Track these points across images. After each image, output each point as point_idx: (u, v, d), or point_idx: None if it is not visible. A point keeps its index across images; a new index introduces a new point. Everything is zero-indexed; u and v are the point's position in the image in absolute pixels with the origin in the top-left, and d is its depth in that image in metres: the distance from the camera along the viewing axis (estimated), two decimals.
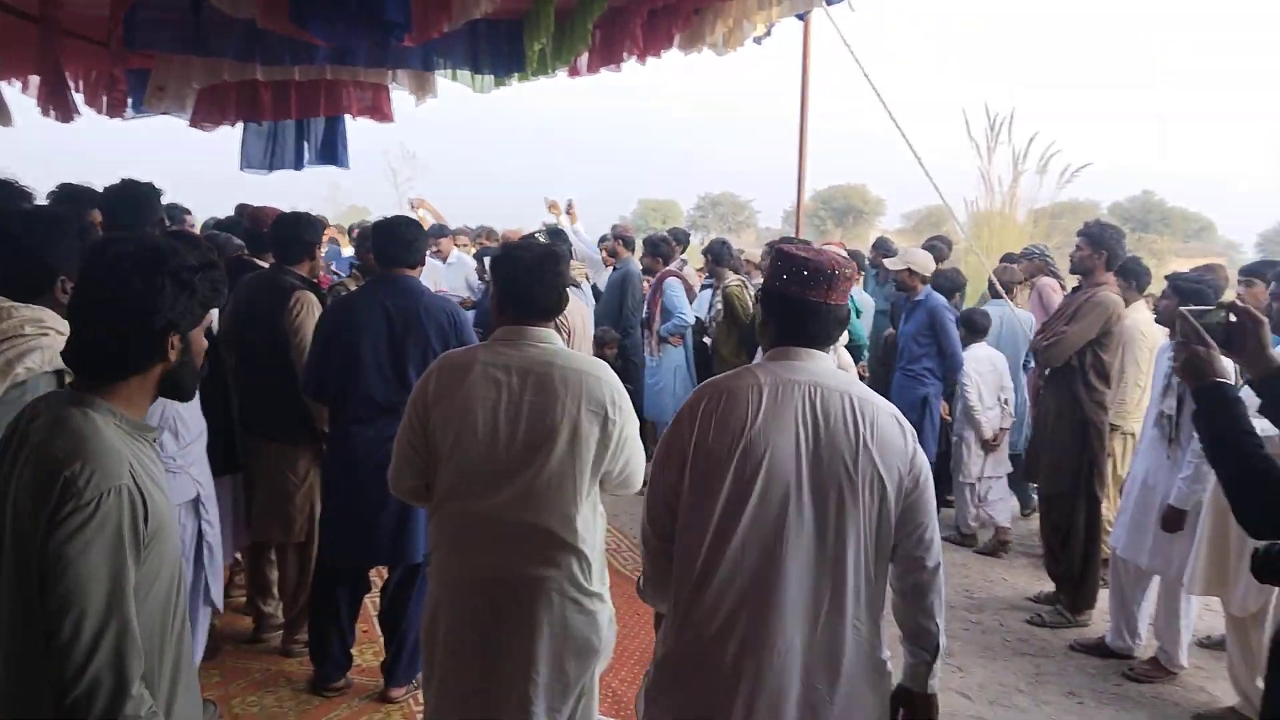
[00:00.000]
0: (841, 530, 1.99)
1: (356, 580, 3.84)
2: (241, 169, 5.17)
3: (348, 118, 4.98)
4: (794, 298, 2.10)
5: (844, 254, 7.35)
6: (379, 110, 4.94)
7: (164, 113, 4.88)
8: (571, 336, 5.26)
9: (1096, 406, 4.78)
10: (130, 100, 4.75)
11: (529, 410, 2.46)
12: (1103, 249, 4.75)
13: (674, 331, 6.86)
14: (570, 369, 2.49)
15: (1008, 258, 7.70)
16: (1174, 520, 4.01)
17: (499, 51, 4.59)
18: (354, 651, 3.98)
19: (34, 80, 4.83)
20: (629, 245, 7.80)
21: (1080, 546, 4.83)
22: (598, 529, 2.56)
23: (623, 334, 7.15)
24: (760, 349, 2.32)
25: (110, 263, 1.65)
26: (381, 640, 3.97)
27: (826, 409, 2.02)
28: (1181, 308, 2.29)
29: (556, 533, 2.44)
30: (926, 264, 6.10)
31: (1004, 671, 4.34)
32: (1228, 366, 2.17)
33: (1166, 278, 4.44)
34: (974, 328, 6.08)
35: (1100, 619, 4.78)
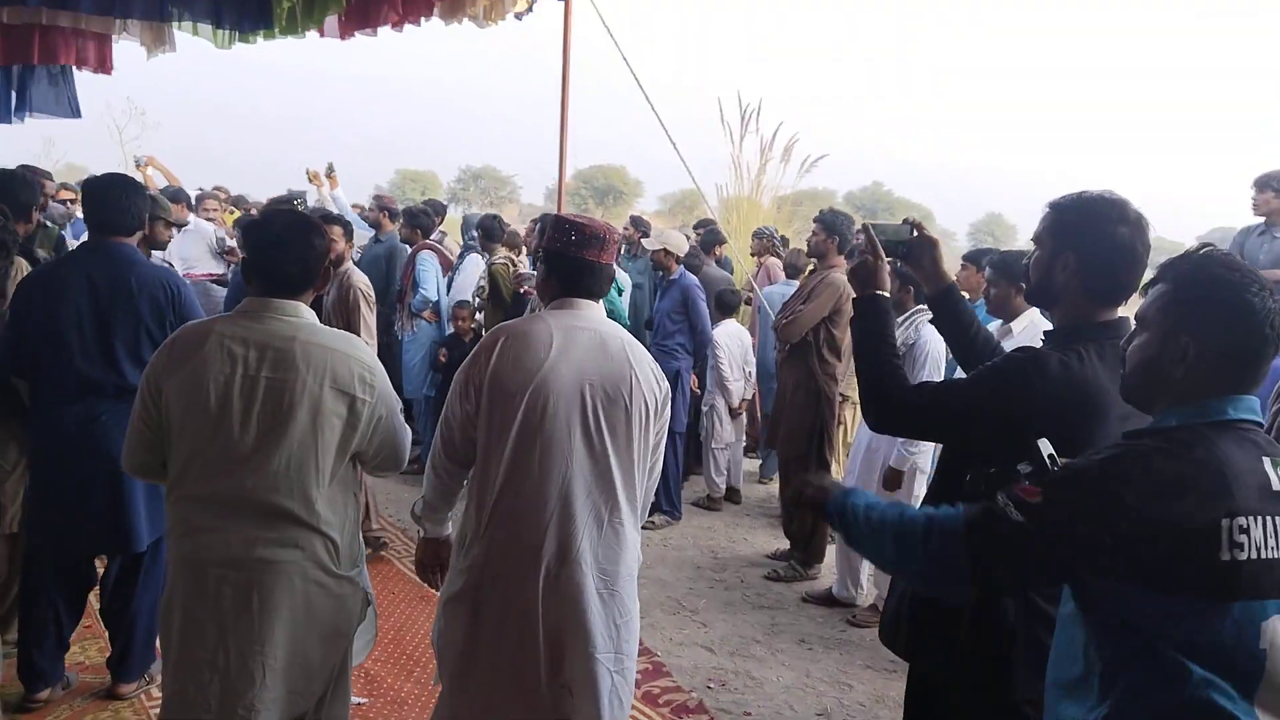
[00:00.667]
0: (616, 447, 2.42)
1: (73, 574, 3.46)
2: None
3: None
4: (573, 257, 2.49)
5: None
6: (98, 61, 4.49)
7: None
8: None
9: (828, 379, 5.25)
10: None
11: (266, 386, 2.32)
12: (835, 234, 5.21)
13: (421, 308, 6.80)
14: (314, 344, 2.36)
15: (756, 233, 8.38)
16: (894, 480, 4.48)
17: (245, 5, 4.33)
18: (77, 648, 3.68)
19: None
20: (393, 217, 7.60)
21: None
22: (348, 511, 2.45)
23: (390, 310, 6.96)
24: (541, 302, 2.62)
25: None
26: (106, 636, 3.67)
27: (606, 348, 2.45)
28: (865, 221, 2.47)
29: (297, 514, 2.33)
30: (680, 245, 6.41)
31: (744, 624, 4.68)
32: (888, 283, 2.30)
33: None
34: (725, 305, 6.51)
35: (828, 572, 5.26)
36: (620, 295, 6.52)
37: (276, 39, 4.69)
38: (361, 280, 5.11)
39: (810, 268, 6.10)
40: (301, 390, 2.32)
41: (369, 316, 5.05)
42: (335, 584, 2.40)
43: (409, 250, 7.13)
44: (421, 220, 7.16)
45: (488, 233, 6.90)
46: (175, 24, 4.32)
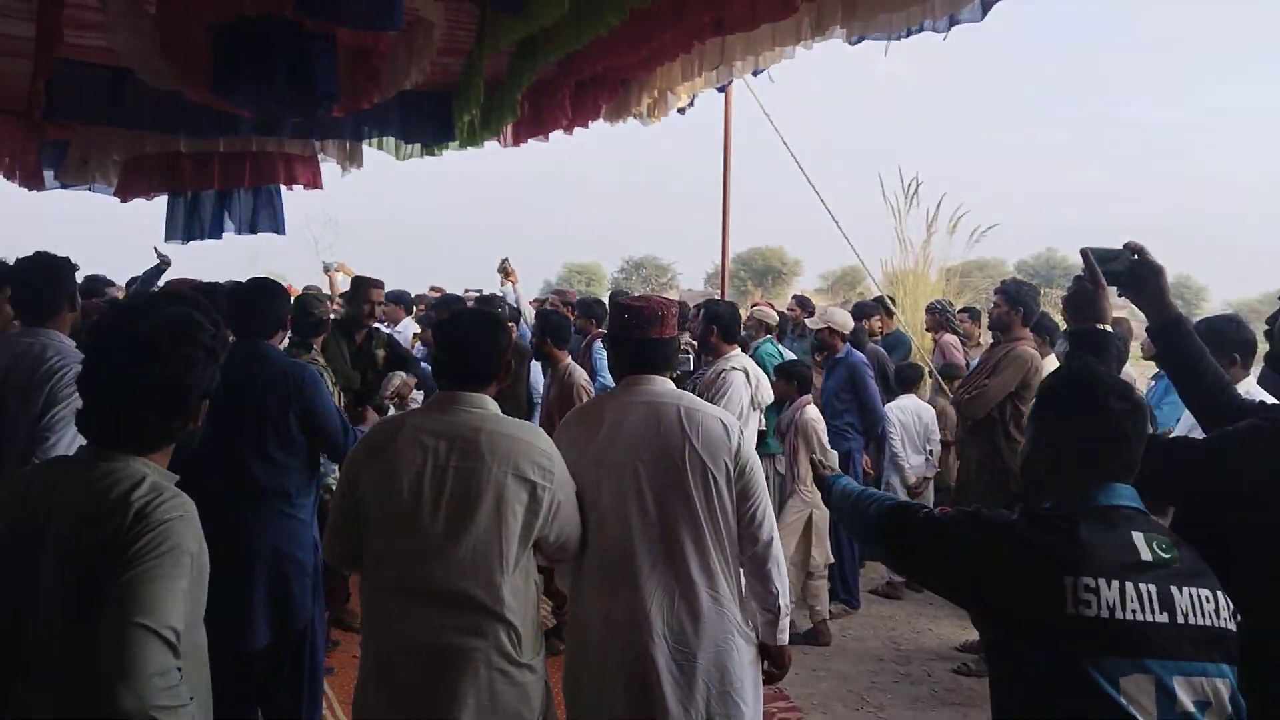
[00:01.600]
0: (675, 515, 2.51)
1: (223, 675, 3.34)
2: (166, 240, 5.10)
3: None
4: (632, 338, 2.68)
5: (766, 309, 7.57)
6: (308, 178, 4.93)
7: (87, 186, 4.79)
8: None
9: (1016, 456, 4.96)
10: (51, 173, 4.66)
11: (454, 476, 2.38)
12: (1019, 306, 4.98)
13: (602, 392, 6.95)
14: (499, 433, 2.42)
15: (930, 308, 8.14)
16: None
17: (428, 122, 4.65)
18: None
19: None
20: (570, 309, 7.83)
21: None
22: (529, 598, 2.47)
23: None
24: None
25: (147, 343, 1.70)
26: None
27: (659, 418, 2.57)
28: (1084, 248, 2.23)
29: (482, 601, 2.35)
30: (846, 322, 6.30)
31: None
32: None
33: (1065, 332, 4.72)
34: (905, 380, 6.33)
35: None
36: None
37: (457, 149, 5.02)
38: (582, 376, 5.29)
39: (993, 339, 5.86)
40: (487, 478, 2.37)
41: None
42: (518, 672, 2.40)
43: (583, 340, 7.36)
44: (595, 310, 7.39)
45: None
46: (365, 142, 4.69)
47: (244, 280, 3.54)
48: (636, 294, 3.42)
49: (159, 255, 7.26)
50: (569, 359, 5.40)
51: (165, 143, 4.36)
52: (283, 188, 4.98)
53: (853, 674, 4.94)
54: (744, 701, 2.55)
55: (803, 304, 8.23)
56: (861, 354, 6.32)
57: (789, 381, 5.38)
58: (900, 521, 1.93)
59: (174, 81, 3.73)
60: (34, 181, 4.54)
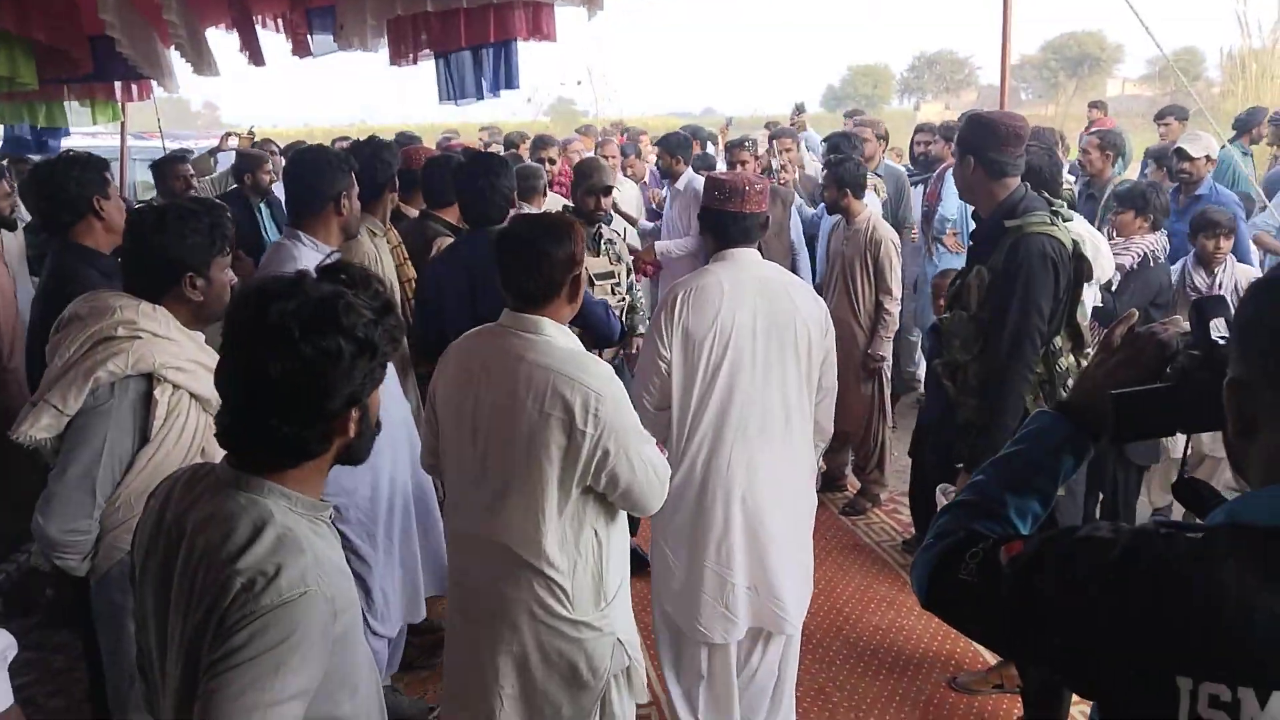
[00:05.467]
0: (785, 374, 2.84)
1: None
2: (440, 102, 5.28)
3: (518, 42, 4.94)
4: (720, 211, 2.87)
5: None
6: (542, 30, 4.86)
7: (348, 48, 5.02)
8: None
9: None
10: (313, 40, 4.92)
11: (491, 409, 2.21)
12: None
13: (940, 231, 6.30)
14: (538, 365, 2.17)
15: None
16: None
17: None
18: None
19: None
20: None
21: None
22: (583, 551, 2.23)
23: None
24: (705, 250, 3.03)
25: (275, 330, 1.32)
26: None
27: (771, 293, 2.84)
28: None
29: (516, 552, 2.19)
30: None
31: None
32: None
33: None
34: None
35: None
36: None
37: None
38: (889, 231, 5.01)
39: None
40: (521, 415, 2.15)
41: (899, 267, 4.97)
42: (571, 629, 2.22)
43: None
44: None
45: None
46: None
47: (458, 153, 3.60)
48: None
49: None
50: (868, 209, 5.08)
51: (414, 5, 4.43)
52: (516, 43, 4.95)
53: None
54: (808, 530, 3.04)
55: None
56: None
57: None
58: (945, 586, 1.23)
59: None
60: (302, 49, 4.81)
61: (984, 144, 2.95)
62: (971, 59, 57.57)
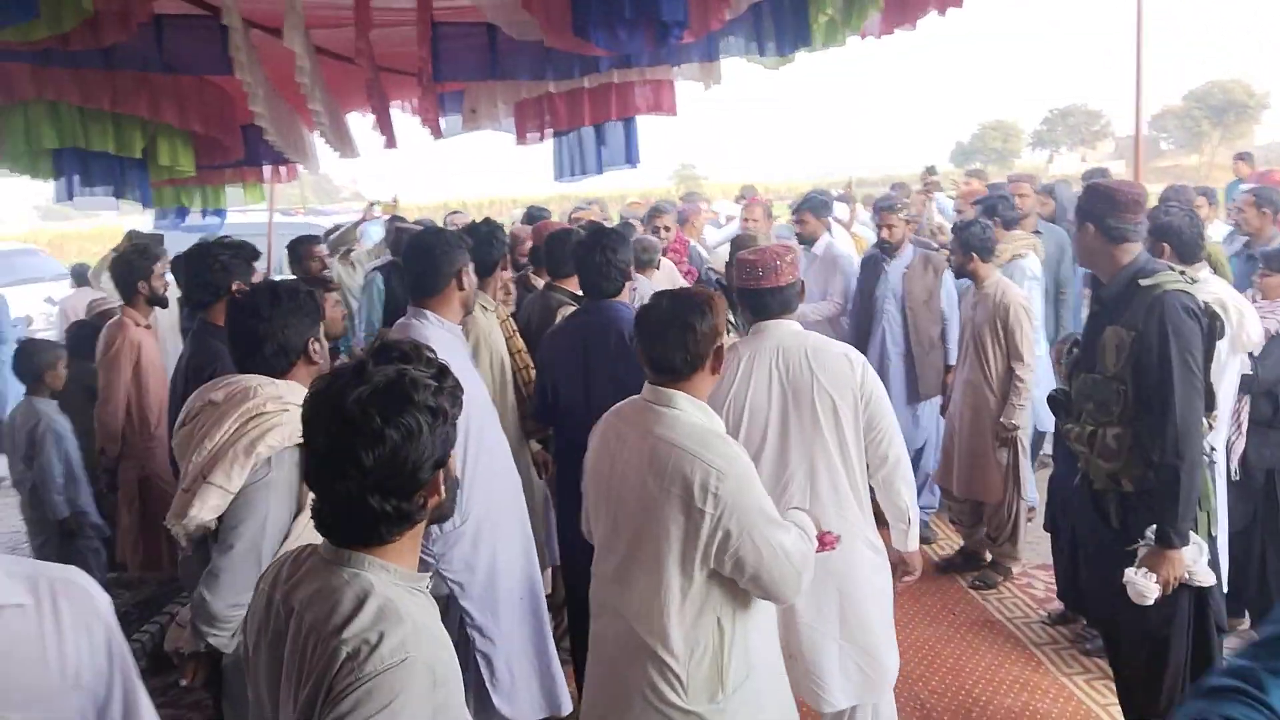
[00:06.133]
0: (811, 446, 2.78)
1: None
2: (555, 179, 5.43)
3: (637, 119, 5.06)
4: (751, 289, 2.91)
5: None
6: (662, 105, 4.95)
7: (476, 128, 5.24)
8: None
9: None
10: (444, 122, 5.15)
11: (622, 485, 2.23)
12: None
13: None
14: (664, 439, 2.16)
15: None
16: None
17: (784, 28, 4.38)
18: None
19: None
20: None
21: None
22: (701, 638, 2.15)
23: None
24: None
25: (358, 421, 1.41)
26: None
27: (787, 362, 2.82)
28: None
29: (636, 631, 2.16)
30: None
31: None
32: None
33: None
34: None
35: None
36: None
37: (817, 51, 4.70)
38: (1019, 295, 4.83)
39: None
40: (647, 493, 2.15)
41: (1029, 333, 4.78)
42: (681, 716, 2.15)
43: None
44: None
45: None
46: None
47: (578, 228, 3.74)
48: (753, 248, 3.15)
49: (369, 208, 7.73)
50: (996, 273, 4.93)
51: (537, 87, 4.60)
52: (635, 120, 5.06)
53: None
54: (869, 610, 2.88)
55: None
56: None
57: None
58: None
59: (537, 31, 3.88)
60: (436, 131, 5.04)
61: (1103, 211, 3.00)
62: (1106, 110, 55.78)
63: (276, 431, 2.29)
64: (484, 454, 3.02)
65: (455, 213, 9.46)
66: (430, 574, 1.59)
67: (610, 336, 3.45)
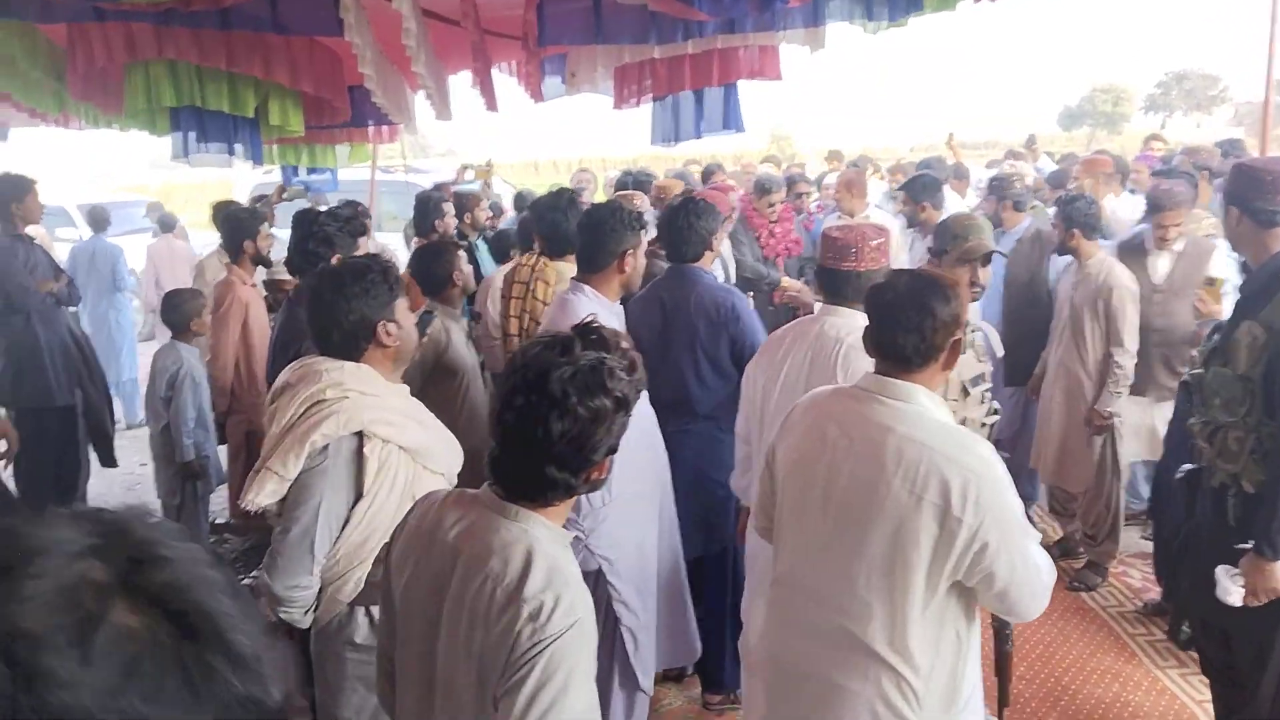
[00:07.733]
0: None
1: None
2: (651, 144, 5.40)
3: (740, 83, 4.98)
4: (829, 269, 2.85)
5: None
6: (767, 70, 4.87)
7: (576, 92, 5.24)
8: None
9: None
10: (545, 85, 5.17)
11: (848, 482, 2.00)
12: None
13: None
14: (911, 439, 1.93)
15: None
16: None
17: None
18: None
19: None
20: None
21: None
22: (943, 651, 2.00)
23: None
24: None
25: (558, 396, 1.54)
26: None
27: (822, 340, 2.81)
28: None
29: (865, 641, 1.98)
30: None
31: None
32: None
33: None
34: None
35: None
36: None
37: (927, 15, 4.54)
38: (1125, 277, 4.51)
39: None
40: (886, 496, 1.94)
41: (1133, 318, 4.48)
42: None
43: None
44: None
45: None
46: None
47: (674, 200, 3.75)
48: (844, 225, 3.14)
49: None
50: (1100, 251, 4.70)
51: (641, 52, 4.56)
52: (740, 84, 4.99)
53: None
54: None
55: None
56: None
57: None
58: None
59: None
60: (536, 94, 5.06)
61: (1248, 194, 2.80)
62: (1221, 76, 52.79)
63: (333, 420, 2.26)
64: (634, 431, 3.01)
65: (583, 170, 9.45)
66: (578, 541, 1.67)
67: (689, 302, 3.53)
